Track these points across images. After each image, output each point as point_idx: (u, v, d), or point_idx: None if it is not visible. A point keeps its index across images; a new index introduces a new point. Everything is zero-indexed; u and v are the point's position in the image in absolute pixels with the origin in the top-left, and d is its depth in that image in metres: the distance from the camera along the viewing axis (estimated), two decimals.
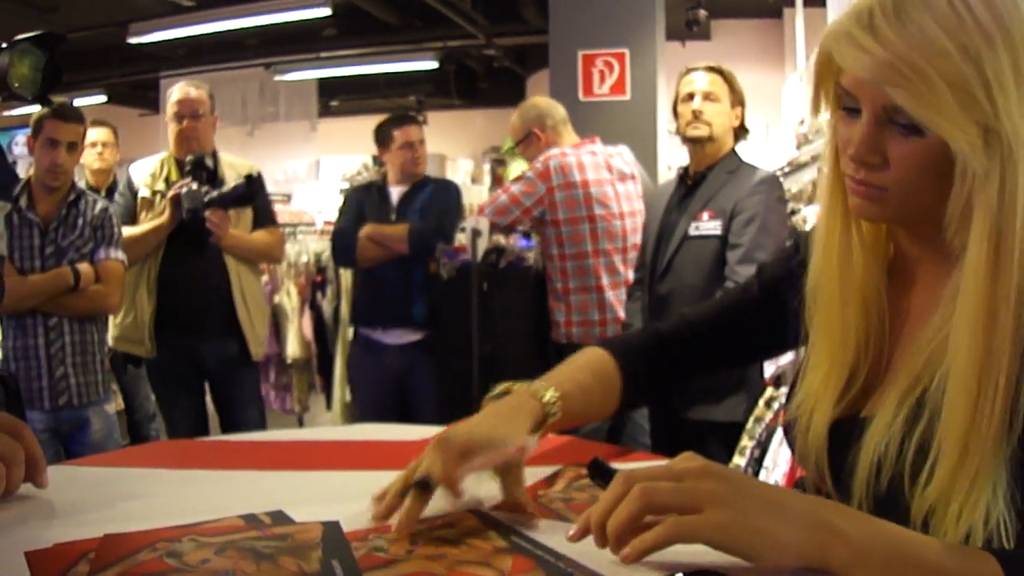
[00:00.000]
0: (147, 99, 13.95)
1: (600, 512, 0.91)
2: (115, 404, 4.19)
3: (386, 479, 1.08)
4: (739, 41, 11.39)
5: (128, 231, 3.97)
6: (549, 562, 0.92)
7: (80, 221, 3.74)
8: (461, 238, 4.49)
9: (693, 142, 3.46)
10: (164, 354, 4.14)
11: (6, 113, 11.63)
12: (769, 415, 3.36)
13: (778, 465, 3.21)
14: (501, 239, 4.58)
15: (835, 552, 0.86)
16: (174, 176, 4.14)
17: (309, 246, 6.43)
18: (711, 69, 3.47)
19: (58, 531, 0.98)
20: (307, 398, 6.38)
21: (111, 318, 4.05)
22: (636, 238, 4.00)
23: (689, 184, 3.49)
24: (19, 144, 10.29)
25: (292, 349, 6.17)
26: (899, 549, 0.87)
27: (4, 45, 1.85)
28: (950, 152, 1.01)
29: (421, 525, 1.02)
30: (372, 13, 10.63)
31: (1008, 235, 1.00)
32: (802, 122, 7.04)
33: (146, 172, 4.20)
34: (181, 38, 10.46)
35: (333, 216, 5.22)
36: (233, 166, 4.22)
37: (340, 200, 5.14)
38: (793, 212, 6.02)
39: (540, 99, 4.52)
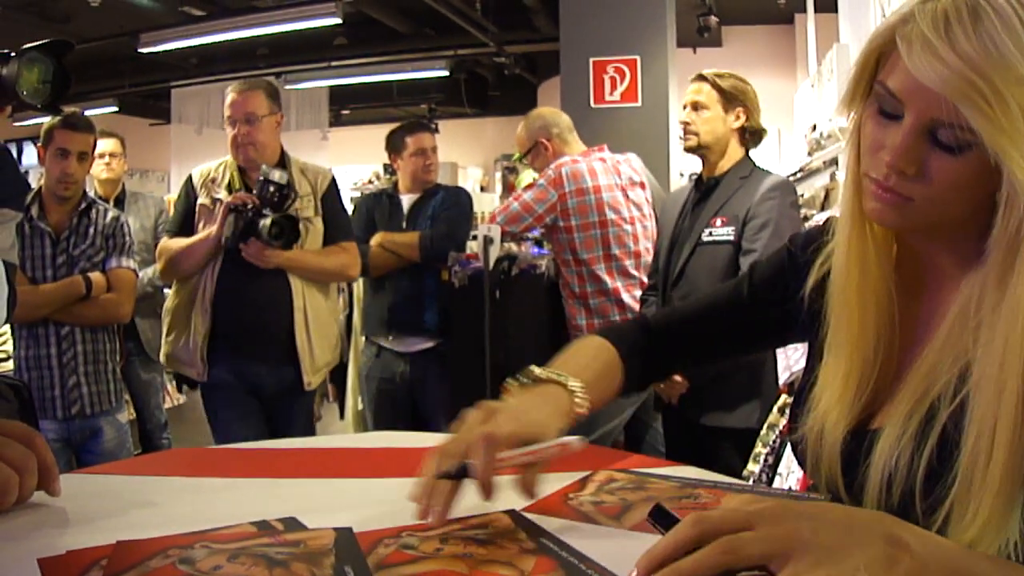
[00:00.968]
0: (158, 109, 14.04)
1: (665, 554, 0.84)
2: (127, 413, 4.17)
3: (398, 486, 1.07)
4: (750, 47, 11.40)
5: (178, 242, 3.71)
6: (572, 564, 0.92)
7: (91, 230, 3.76)
8: (473, 246, 4.48)
9: (690, 152, 3.52)
10: (218, 377, 3.75)
11: (17, 124, 11.70)
12: (783, 421, 3.35)
13: (792, 472, 3.20)
14: (513, 247, 4.57)
15: (900, 566, 0.85)
16: (237, 184, 3.78)
17: None
18: (699, 77, 3.50)
19: (71, 539, 0.98)
20: (320, 407, 6.38)
21: (163, 335, 3.84)
22: (645, 243, 4.01)
23: (702, 190, 3.49)
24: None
25: None
26: (956, 564, 0.87)
27: (13, 54, 1.85)
28: (990, 173, 0.99)
29: (456, 524, 1.03)
30: (383, 22, 10.68)
31: None
32: (814, 127, 7.03)
33: (207, 177, 3.84)
34: (192, 47, 10.51)
35: None
36: (305, 171, 3.86)
37: (351, 209, 5.13)
38: (806, 218, 6.02)
39: (544, 109, 4.53)
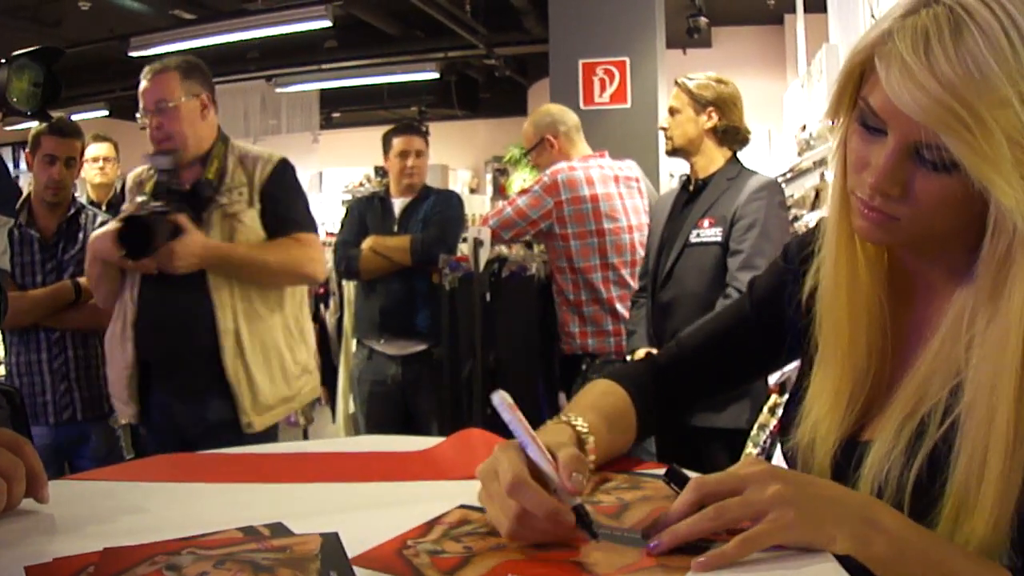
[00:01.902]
0: None
1: (673, 519, 0.96)
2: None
3: (387, 490, 1.07)
4: (740, 48, 11.42)
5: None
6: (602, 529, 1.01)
7: (81, 235, 3.74)
8: (463, 248, 4.48)
9: (671, 155, 3.63)
10: (150, 419, 3.20)
11: (8, 128, 11.67)
12: (773, 422, 3.36)
13: None
14: (503, 249, 4.58)
15: (876, 546, 0.92)
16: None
17: None
18: (676, 83, 3.58)
19: (59, 546, 0.98)
20: (312, 411, 6.37)
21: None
22: (642, 253, 4.00)
23: (691, 191, 3.51)
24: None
25: None
26: (933, 552, 0.94)
27: (3, 61, 1.86)
28: (979, 191, 0.97)
29: (442, 527, 1.04)
30: (373, 24, 10.68)
31: None
32: (804, 128, 7.05)
33: (135, 180, 3.33)
34: (182, 51, 10.48)
35: (336, 228, 5.22)
36: (245, 160, 3.19)
37: (343, 212, 5.14)
38: (796, 218, 6.03)
39: (553, 106, 4.51)
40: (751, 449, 3.36)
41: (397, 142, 4.64)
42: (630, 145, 5.32)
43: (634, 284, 3.97)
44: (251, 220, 3.12)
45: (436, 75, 11.78)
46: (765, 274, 1.45)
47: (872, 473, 1.07)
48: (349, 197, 13.03)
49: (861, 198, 1.08)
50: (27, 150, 3.77)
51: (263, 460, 1.42)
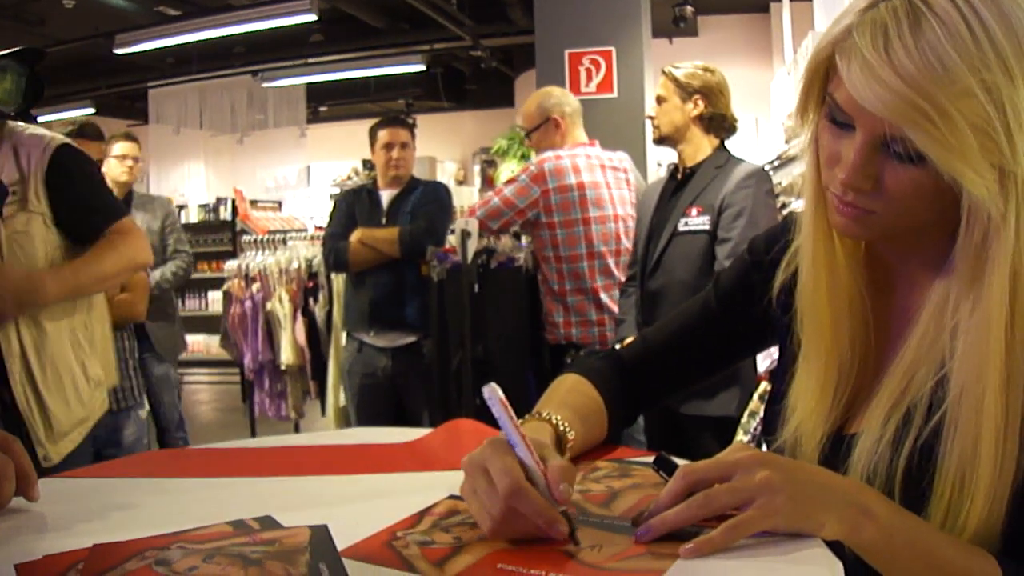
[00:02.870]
0: (135, 110, 13.98)
1: (662, 507, 0.97)
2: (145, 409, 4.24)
3: (376, 482, 1.08)
4: (727, 36, 11.41)
5: None
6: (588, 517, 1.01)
7: None
8: (451, 240, 4.48)
9: (658, 144, 3.67)
10: None
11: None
12: (763, 409, 3.37)
13: None
14: (491, 240, 4.58)
15: (865, 532, 0.93)
16: None
17: (300, 252, 6.42)
18: (662, 72, 3.59)
19: (49, 543, 0.98)
20: (302, 404, 6.38)
21: None
22: (626, 243, 4.02)
23: (679, 180, 3.52)
24: None
25: (286, 356, 6.17)
26: (922, 539, 0.95)
27: None
28: (948, 183, 0.97)
29: (432, 517, 1.04)
30: (358, 17, 10.66)
31: (1023, 276, 0.98)
32: (791, 115, 7.05)
33: None
34: (168, 48, 10.47)
35: (325, 221, 5.22)
36: (19, 148, 2.52)
37: (331, 205, 5.13)
38: (784, 206, 6.04)
39: (555, 88, 4.47)
40: (741, 436, 3.38)
41: (382, 134, 4.64)
42: (617, 135, 5.33)
43: (619, 274, 3.97)
44: (35, 229, 2.52)
45: (422, 67, 11.73)
46: (730, 269, 1.45)
47: (861, 465, 1.07)
48: (337, 191, 13.03)
49: (835, 194, 1.08)
50: None
51: (252, 454, 1.42)
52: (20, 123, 2.56)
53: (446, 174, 15.44)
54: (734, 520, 0.92)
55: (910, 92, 0.94)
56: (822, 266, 1.16)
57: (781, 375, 1.31)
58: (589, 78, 6.28)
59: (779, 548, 0.91)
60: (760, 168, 3.49)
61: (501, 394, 1.02)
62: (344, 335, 5.03)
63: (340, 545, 0.94)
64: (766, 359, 3.63)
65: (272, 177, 13.87)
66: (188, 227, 10.25)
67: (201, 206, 11.87)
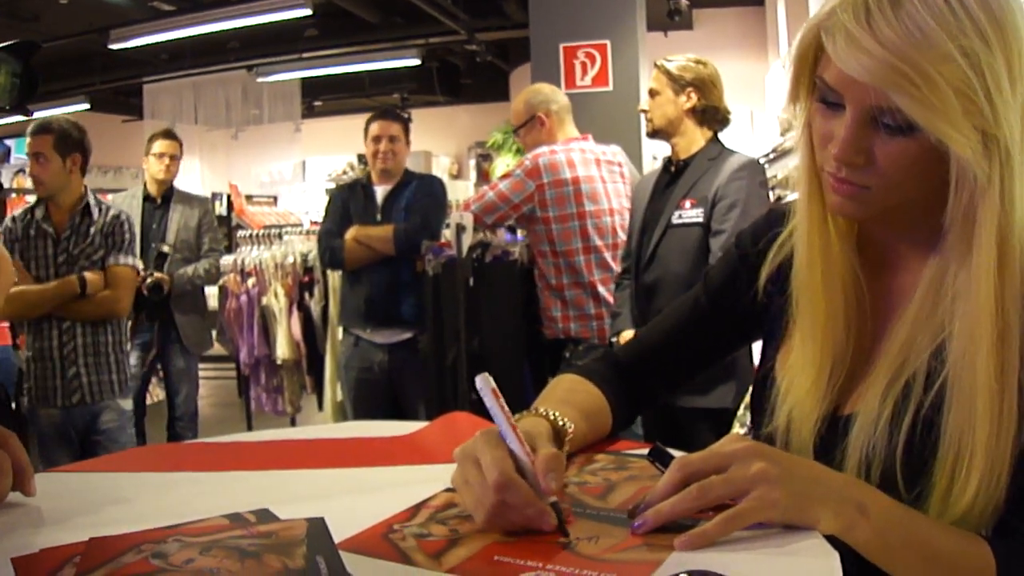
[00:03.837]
0: (130, 105, 13.96)
1: (658, 499, 0.97)
2: (153, 397, 4.32)
3: (372, 475, 1.08)
4: (722, 30, 11.41)
5: None
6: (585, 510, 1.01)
7: (92, 229, 3.95)
8: (446, 234, 4.48)
9: (651, 137, 3.67)
10: None
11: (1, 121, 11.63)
12: (750, 394, 3.37)
13: None
14: (487, 234, 4.57)
15: (859, 529, 0.93)
16: None
17: (296, 247, 6.41)
18: (655, 66, 3.59)
19: (45, 537, 0.98)
20: (299, 399, 6.37)
21: None
22: (623, 236, 4.00)
23: (672, 172, 3.52)
24: None
25: (282, 350, 6.15)
26: (916, 532, 0.96)
27: None
28: (938, 150, 1.00)
29: (429, 510, 1.04)
30: (353, 12, 10.65)
31: (1010, 238, 1.00)
32: (786, 109, 7.06)
33: None
34: (162, 43, 10.45)
35: (320, 216, 5.22)
36: None
37: (326, 200, 5.13)
38: (779, 198, 6.04)
39: (545, 85, 4.48)
40: (738, 429, 3.38)
41: (372, 127, 4.64)
42: (612, 128, 5.33)
43: (616, 267, 3.97)
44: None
45: (417, 62, 11.73)
46: (718, 263, 1.46)
47: (859, 443, 1.08)
48: (332, 186, 13.02)
49: (830, 172, 1.10)
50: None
51: (248, 448, 1.42)
52: None
53: (441, 168, 15.44)
54: (730, 512, 0.92)
55: (893, 58, 0.97)
56: (817, 249, 1.18)
57: (763, 364, 1.32)
58: (584, 72, 6.27)
59: (776, 539, 0.91)
60: (753, 160, 3.49)
61: (493, 384, 1.03)
62: (340, 330, 5.02)
63: (337, 538, 0.95)
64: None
65: (267, 172, 13.89)
66: None
67: None
